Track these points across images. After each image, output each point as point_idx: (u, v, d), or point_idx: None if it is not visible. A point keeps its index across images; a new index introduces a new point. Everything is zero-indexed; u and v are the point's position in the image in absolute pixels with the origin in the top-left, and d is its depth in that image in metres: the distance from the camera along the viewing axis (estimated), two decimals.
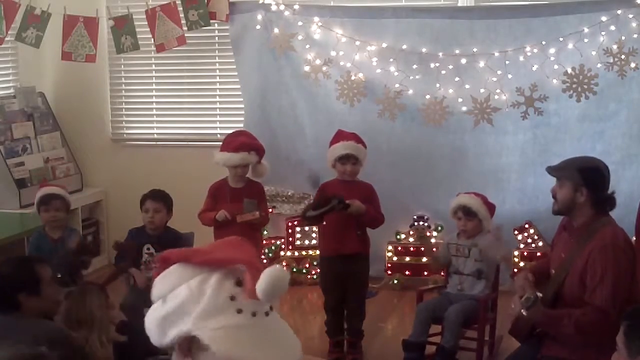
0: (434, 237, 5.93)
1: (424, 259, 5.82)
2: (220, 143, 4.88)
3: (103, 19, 6.16)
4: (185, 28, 6.05)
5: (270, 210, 5.40)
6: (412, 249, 5.92)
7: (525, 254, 5.70)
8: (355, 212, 4.47)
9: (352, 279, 4.62)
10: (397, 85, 5.83)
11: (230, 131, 5.15)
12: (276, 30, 5.96)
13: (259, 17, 5.98)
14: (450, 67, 5.73)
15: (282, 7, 5.93)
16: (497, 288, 4.59)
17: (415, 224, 5.96)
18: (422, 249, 5.87)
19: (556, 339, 3.48)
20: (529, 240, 5.75)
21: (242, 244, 1.67)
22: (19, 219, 5.78)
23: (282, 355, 1.61)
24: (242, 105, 6.25)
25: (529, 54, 5.59)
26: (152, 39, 6.08)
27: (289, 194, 6.16)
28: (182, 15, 6.01)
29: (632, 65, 5.47)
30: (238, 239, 1.70)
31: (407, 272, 5.94)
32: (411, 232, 5.97)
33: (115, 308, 3.78)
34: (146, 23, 6.05)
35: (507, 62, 5.63)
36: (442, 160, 5.95)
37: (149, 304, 1.68)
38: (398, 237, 5.97)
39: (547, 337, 3.55)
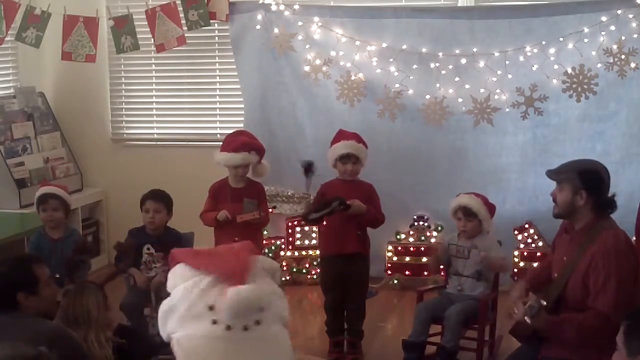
0: (434, 237, 5.93)
1: (424, 259, 5.82)
2: (221, 143, 4.88)
3: (103, 19, 6.15)
4: (185, 28, 6.04)
5: (270, 210, 5.40)
6: (412, 249, 5.93)
7: (525, 254, 5.70)
8: (356, 213, 4.48)
9: (352, 279, 4.62)
10: (397, 85, 5.83)
11: (230, 131, 5.16)
12: (276, 30, 5.95)
13: (259, 17, 5.98)
14: (450, 67, 5.73)
15: (282, 7, 5.93)
16: (497, 288, 4.59)
17: (415, 224, 5.96)
18: (422, 249, 5.88)
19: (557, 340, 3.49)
20: (529, 241, 5.75)
21: (243, 251, 1.66)
22: (19, 219, 5.78)
23: None
24: (242, 105, 6.25)
25: (529, 54, 5.59)
26: (152, 39, 6.08)
27: (289, 194, 6.15)
28: (182, 15, 6.01)
29: (632, 65, 5.47)
30: (245, 244, 1.69)
31: (407, 272, 5.94)
32: (411, 232, 5.97)
33: (114, 309, 3.77)
34: (146, 23, 6.04)
35: (507, 62, 5.63)
36: (442, 160, 5.95)
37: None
38: (398, 237, 5.96)
39: (547, 337, 3.55)
